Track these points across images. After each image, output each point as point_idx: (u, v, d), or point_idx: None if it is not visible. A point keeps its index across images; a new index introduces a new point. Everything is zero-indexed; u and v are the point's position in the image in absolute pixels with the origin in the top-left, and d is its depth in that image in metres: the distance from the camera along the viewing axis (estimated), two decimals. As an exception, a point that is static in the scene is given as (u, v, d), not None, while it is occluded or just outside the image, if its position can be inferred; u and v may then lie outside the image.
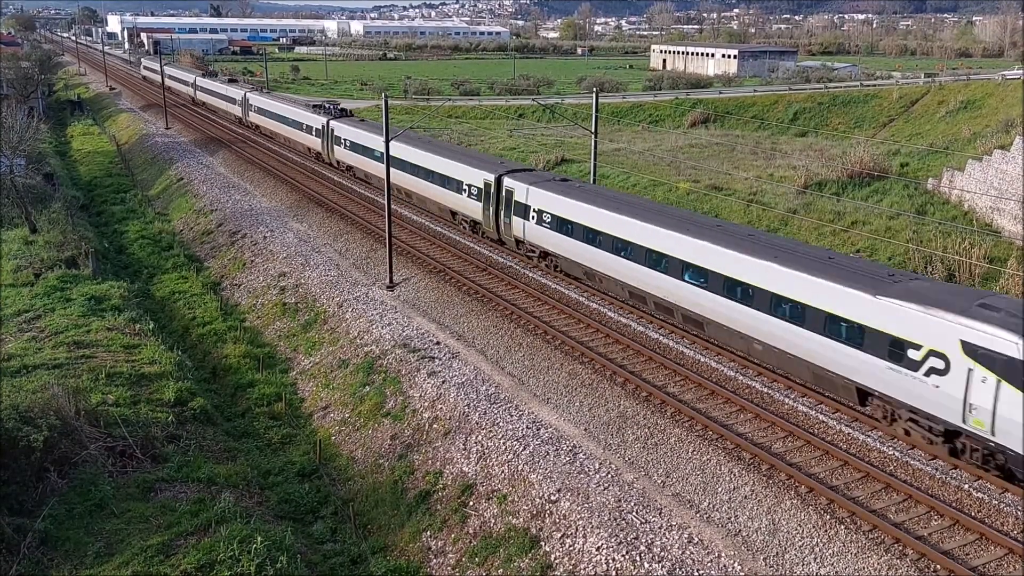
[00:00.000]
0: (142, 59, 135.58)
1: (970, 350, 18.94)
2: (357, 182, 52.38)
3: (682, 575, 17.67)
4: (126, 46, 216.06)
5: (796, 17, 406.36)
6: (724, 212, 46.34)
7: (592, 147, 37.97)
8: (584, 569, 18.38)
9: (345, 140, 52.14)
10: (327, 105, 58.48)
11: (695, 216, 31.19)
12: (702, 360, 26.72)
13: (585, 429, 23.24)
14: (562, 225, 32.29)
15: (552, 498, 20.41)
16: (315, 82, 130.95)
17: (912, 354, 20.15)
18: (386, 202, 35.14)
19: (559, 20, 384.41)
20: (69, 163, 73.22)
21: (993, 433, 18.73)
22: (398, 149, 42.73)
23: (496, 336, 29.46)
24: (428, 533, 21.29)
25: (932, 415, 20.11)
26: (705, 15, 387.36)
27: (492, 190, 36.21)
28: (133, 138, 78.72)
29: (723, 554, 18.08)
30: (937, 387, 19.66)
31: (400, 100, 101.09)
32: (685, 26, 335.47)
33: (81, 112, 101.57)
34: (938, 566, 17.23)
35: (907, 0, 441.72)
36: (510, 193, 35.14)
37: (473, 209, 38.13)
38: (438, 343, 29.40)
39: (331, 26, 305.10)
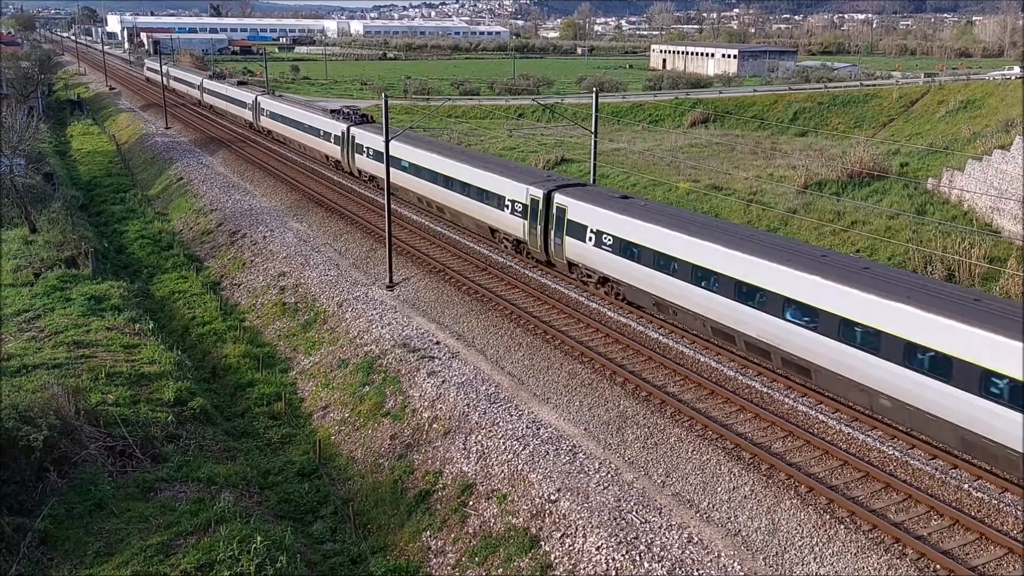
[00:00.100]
0: (145, 60, 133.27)
1: None
2: (364, 186, 52.35)
3: (682, 575, 17.67)
4: (126, 46, 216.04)
5: (796, 17, 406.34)
6: (724, 212, 46.35)
7: (592, 147, 37.95)
8: (584, 569, 18.38)
9: (368, 149, 48.95)
10: (346, 110, 55.30)
11: (794, 244, 27.05)
12: (702, 360, 26.71)
13: (585, 429, 23.24)
14: (626, 249, 28.98)
15: (552, 498, 20.42)
16: (315, 82, 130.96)
17: None
18: (386, 202, 35.13)
19: (559, 20, 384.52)
20: (69, 163, 73.21)
21: None
22: (429, 159, 41.34)
23: (496, 336, 29.46)
24: (428, 533, 21.29)
25: None
26: (705, 15, 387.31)
27: (540, 207, 33.17)
28: (133, 138, 78.70)
29: (723, 554, 18.08)
30: None
31: (400, 100, 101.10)
32: (685, 26, 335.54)
33: (81, 112, 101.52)
34: (938, 566, 17.23)
35: (907, 0, 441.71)
36: (562, 211, 32.06)
37: (516, 227, 35.12)
38: (438, 343, 29.40)
39: (331, 26, 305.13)
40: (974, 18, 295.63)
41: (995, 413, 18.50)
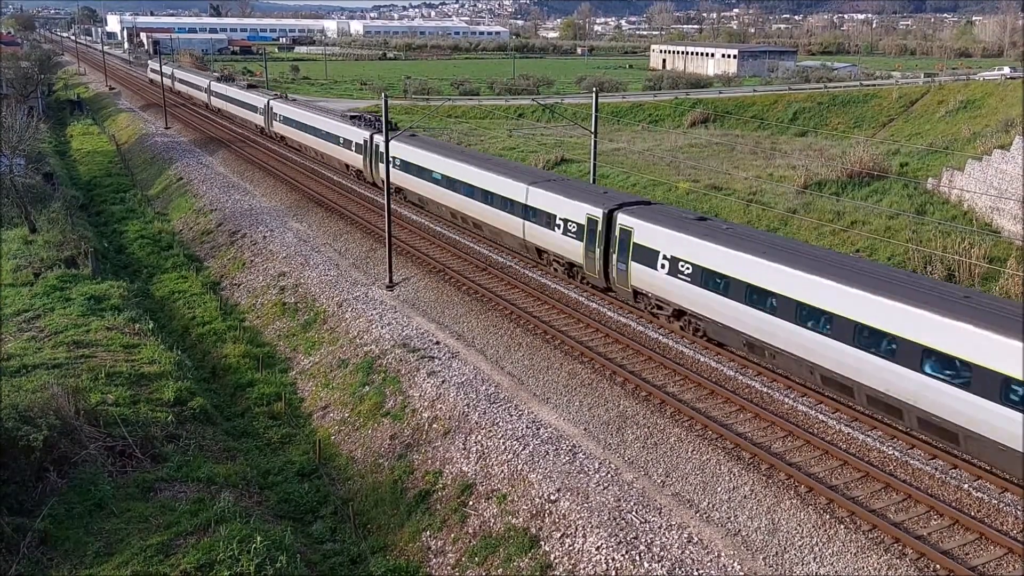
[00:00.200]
0: (148, 61, 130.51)
1: None
2: (367, 187, 52.36)
3: (681, 575, 17.68)
4: (125, 46, 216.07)
5: (796, 17, 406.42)
6: (724, 212, 46.36)
7: (592, 147, 37.96)
8: (583, 568, 18.39)
9: (395, 159, 44.94)
10: (368, 116, 51.51)
11: (928, 281, 23.12)
12: (702, 360, 26.71)
13: (585, 429, 23.24)
14: (710, 279, 25.68)
15: (552, 498, 20.42)
16: (315, 82, 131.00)
17: None
18: (386, 202, 35.13)
19: (559, 20, 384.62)
20: (69, 163, 73.21)
21: None
22: (465, 171, 38.77)
23: (496, 336, 29.46)
24: (428, 533, 21.29)
25: None
26: (705, 15, 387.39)
27: (600, 228, 30.20)
28: (132, 138, 78.71)
29: (723, 554, 18.09)
30: None
31: (400, 100, 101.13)
32: (685, 26, 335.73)
33: (81, 112, 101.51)
34: (938, 566, 17.23)
35: (907, 0, 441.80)
36: (627, 233, 28.99)
37: (570, 249, 32.06)
38: (438, 343, 29.40)
39: (331, 26, 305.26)
40: (974, 18, 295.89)
41: None
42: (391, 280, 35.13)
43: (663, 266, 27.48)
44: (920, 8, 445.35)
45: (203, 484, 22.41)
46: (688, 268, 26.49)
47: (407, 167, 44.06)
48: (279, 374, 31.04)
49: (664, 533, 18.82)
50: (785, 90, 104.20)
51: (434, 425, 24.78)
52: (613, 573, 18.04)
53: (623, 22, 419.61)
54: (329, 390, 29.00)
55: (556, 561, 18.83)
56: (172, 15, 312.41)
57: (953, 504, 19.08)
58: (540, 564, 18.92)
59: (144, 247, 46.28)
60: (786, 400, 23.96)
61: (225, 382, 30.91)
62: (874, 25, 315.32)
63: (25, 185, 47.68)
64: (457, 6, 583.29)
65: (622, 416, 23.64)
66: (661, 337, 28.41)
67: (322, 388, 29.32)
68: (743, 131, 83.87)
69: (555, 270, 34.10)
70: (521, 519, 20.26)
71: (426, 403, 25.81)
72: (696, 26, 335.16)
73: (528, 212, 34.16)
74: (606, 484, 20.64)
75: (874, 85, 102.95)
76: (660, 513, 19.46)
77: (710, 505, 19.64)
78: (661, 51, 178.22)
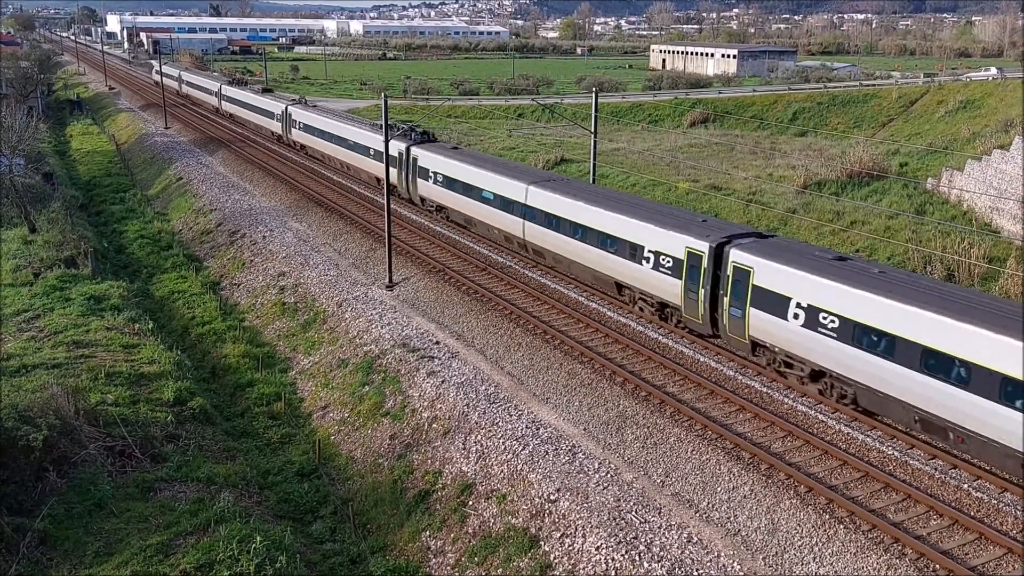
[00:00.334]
0: (152, 63, 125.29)
1: None
2: (365, 187, 52.31)
3: (681, 574, 17.68)
4: (125, 46, 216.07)
5: (796, 17, 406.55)
6: (724, 212, 46.37)
7: (592, 147, 37.97)
8: (583, 568, 18.39)
9: (436, 174, 41.26)
10: (402, 126, 47.02)
11: None
12: (701, 360, 26.71)
13: (584, 429, 23.24)
14: (864, 336, 21.37)
15: (551, 498, 20.42)
16: (314, 82, 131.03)
17: None
18: (385, 202, 35.12)
19: (558, 20, 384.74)
20: (68, 163, 73.21)
21: None
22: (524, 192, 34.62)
23: (495, 336, 29.46)
24: (427, 533, 21.30)
25: None
26: (705, 15, 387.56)
27: (705, 264, 25.87)
28: (132, 138, 78.71)
29: (722, 553, 18.09)
30: None
31: (400, 100, 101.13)
32: (685, 26, 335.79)
33: (80, 112, 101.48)
34: (937, 566, 17.23)
35: (906, 0, 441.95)
36: (743, 273, 24.67)
37: (664, 288, 27.77)
38: (437, 343, 29.40)
39: (330, 26, 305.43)
40: (973, 18, 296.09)
41: None
42: (391, 280, 35.13)
43: (796, 316, 23.16)
44: (920, 8, 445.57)
45: (203, 484, 22.41)
46: (834, 321, 22.11)
47: (450, 184, 40.09)
48: (279, 374, 31.03)
49: (664, 533, 18.82)
50: (785, 90, 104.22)
51: (434, 425, 24.78)
52: (613, 573, 18.04)
53: (623, 22, 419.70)
54: (329, 390, 29.00)
55: (556, 561, 18.84)
56: (172, 15, 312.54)
57: (953, 504, 19.09)
58: (540, 564, 18.92)
59: (144, 247, 46.28)
60: (786, 400, 23.96)
61: (225, 382, 30.91)
62: (874, 25, 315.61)
63: (25, 185, 47.68)
64: (457, 6, 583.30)
65: (622, 416, 23.64)
66: (661, 337, 28.41)
67: (322, 388, 29.32)
68: (743, 131, 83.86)
69: (641, 310, 29.82)
70: (521, 519, 20.27)
71: (426, 403, 25.81)
72: (696, 26, 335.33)
73: (606, 241, 30.05)
74: (606, 484, 20.64)
75: (874, 85, 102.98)
76: (660, 513, 19.46)
77: (710, 505, 19.65)
78: (661, 51, 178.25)
